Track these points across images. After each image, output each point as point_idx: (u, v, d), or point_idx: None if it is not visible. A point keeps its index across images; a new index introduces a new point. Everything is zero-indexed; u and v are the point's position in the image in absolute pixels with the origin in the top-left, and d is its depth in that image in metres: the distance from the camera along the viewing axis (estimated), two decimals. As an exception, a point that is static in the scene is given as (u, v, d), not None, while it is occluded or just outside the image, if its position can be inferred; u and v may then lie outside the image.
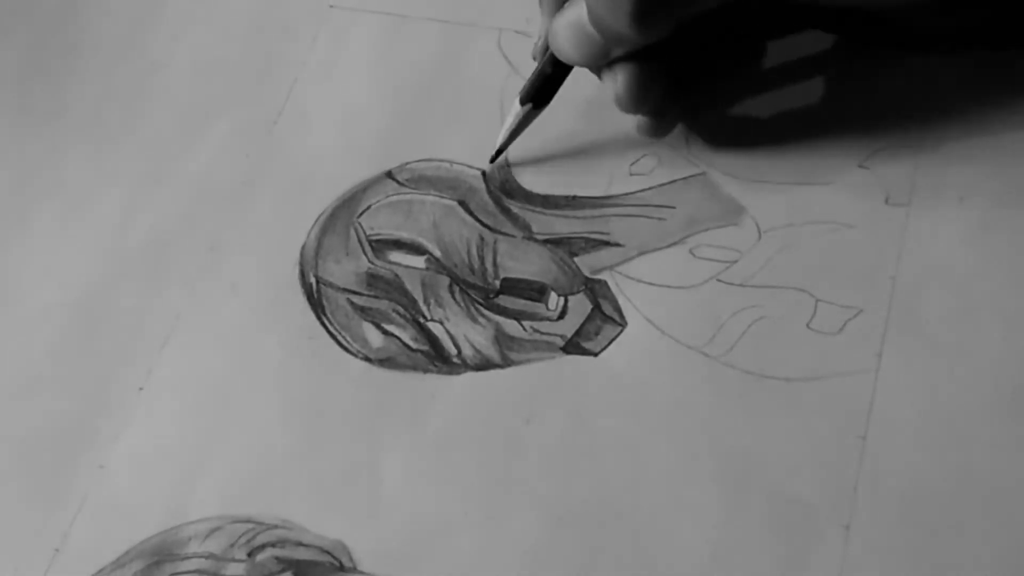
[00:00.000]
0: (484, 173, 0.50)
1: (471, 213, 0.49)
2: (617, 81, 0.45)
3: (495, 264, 0.48)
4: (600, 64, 0.45)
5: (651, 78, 0.45)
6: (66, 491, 0.47)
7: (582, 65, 0.46)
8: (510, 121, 0.49)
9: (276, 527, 0.44)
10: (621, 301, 0.46)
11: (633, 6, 0.41)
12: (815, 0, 0.44)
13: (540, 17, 0.47)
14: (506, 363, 0.46)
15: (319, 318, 0.48)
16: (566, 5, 0.45)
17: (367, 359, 0.47)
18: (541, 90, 0.47)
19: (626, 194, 0.48)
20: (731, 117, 0.49)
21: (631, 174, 0.49)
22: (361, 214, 0.50)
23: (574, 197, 0.49)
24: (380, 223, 0.50)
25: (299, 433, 0.46)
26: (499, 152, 0.49)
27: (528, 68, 0.49)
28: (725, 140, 0.48)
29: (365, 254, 0.49)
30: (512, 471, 0.44)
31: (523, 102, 0.48)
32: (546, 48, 0.46)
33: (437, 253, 0.49)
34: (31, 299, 0.52)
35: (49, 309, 0.51)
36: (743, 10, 0.45)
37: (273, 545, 0.44)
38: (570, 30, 0.44)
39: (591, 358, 0.45)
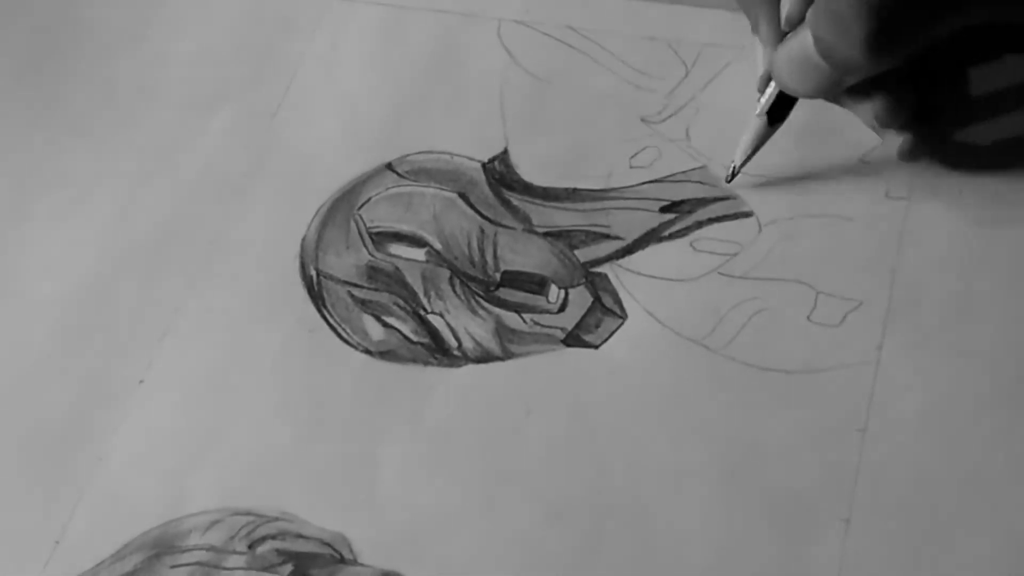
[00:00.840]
0: (484, 165, 0.50)
1: (471, 206, 0.49)
2: (875, 108, 0.43)
3: (495, 257, 0.48)
4: (827, 95, 0.43)
5: (899, 102, 0.43)
6: (66, 483, 0.47)
7: (812, 97, 0.44)
8: (747, 137, 0.46)
9: (276, 519, 0.44)
10: (621, 294, 0.46)
11: (868, 32, 0.39)
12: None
13: (759, 47, 0.45)
14: (506, 356, 0.46)
15: (319, 311, 0.48)
16: (789, 36, 0.43)
17: (367, 352, 0.47)
18: (778, 106, 0.45)
19: (626, 187, 0.48)
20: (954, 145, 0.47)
21: (631, 167, 0.49)
22: (361, 206, 0.50)
23: (574, 190, 0.49)
24: (380, 215, 0.50)
25: (300, 426, 0.46)
26: (736, 172, 0.47)
27: (527, 58, 0.50)
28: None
29: (365, 247, 0.49)
30: (512, 463, 0.44)
31: (761, 116, 0.46)
32: (770, 77, 0.45)
33: (437, 246, 0.49)
34: (31, 291, 0.52)
35: (49, 302, 0.51)
36: (980, 33, 0.43)
37: (273, 537, 0.44)
38: (795, 63, 0.43)
39: (591, 351, 0.45)
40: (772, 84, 0.45)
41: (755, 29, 0.45)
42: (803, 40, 0.42)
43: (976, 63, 0.46)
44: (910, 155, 0.44)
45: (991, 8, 0.41)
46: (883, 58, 0.41)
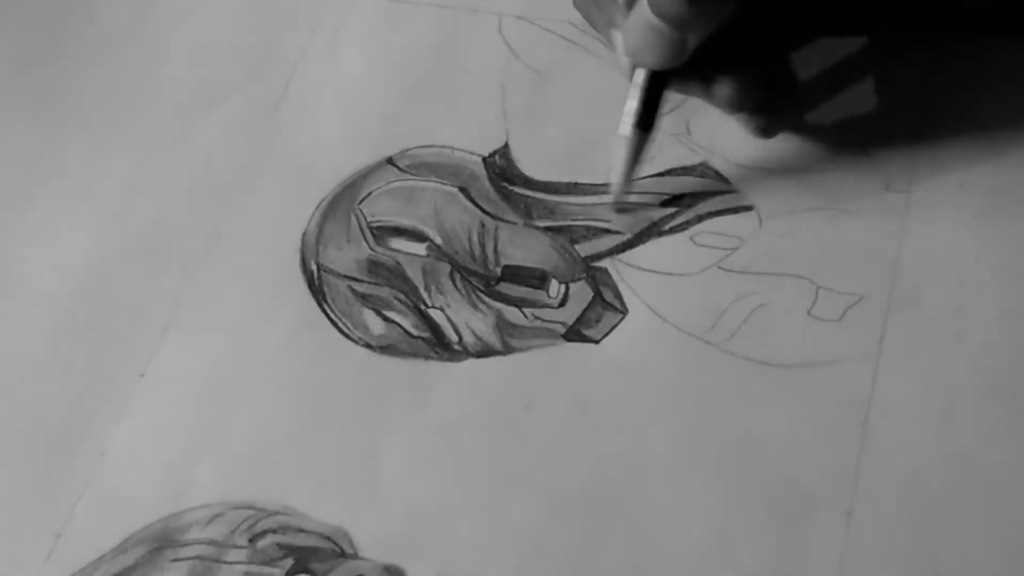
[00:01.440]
0: (485, 159, 0.50)
1: (472, 200, 0.49)
2: (719, 85, 0.44)
3: (496, 251, 0.48)
4: (682, 59, 0.43)
5: (748, 83, 0.44)
6: (67, 477, 0.47)
7: (664, 66, 0.44)
8: (620, 155, 0.46)
9: (277, 513, 0.44)
10: (622, 288, 0.46)
11: None
12: None
13: (613, 43, 0.46)
14: (507, 350, 0.46)
15: (320, 305, 0.48)
16: (631, 10, 0.44)
17: (368, 346, 0.47)
18: (645, 112, 0.45)
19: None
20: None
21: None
22: (362, 201, 0.50)
23: (575, 184, 0.49)
24: (381, 210, 0.50)
25: (300, 419, 0.46)
26: (618, 193, 0.47)
27: (528, 53, 0.50)
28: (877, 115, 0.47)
29: (366, 241, 0.49)
30: (513, 458, 0.44)
31: (630, 127, 0.45)
32: (633, 66, 0.45)
33: (438, 240, 0.49)
34: (32, 285, 0.52)
35: (50, 295, 0.51)
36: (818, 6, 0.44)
37: (274, 531, 0.44)
38: (640, 31, 0.43)
39: (592, 345, 0.45)
40: (633, 92, 0.45)
41: (605, 30, 0.46)
42: (641, 5, 0.43)
43: (797, 46, 0.48)
44: (764, 132, 0.46)
45: None
46: (704, 5, 0.42)
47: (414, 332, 0.47)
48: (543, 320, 0.46)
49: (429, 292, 0.48)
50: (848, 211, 0.46)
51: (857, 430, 0.42)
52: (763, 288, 0.45)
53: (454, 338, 0.47)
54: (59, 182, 0.54)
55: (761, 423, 0.42)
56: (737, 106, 0.45)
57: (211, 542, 0.44)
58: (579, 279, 0.47)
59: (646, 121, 0.45)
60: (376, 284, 0.48)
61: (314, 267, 0.49)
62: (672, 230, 0.47)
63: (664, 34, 0.43)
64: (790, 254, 0.45)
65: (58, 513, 0.46)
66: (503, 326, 0.46)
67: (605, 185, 0.48)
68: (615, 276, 0.47)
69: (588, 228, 0.48)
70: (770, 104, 0.45)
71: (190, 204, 0.52)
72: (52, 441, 0.48)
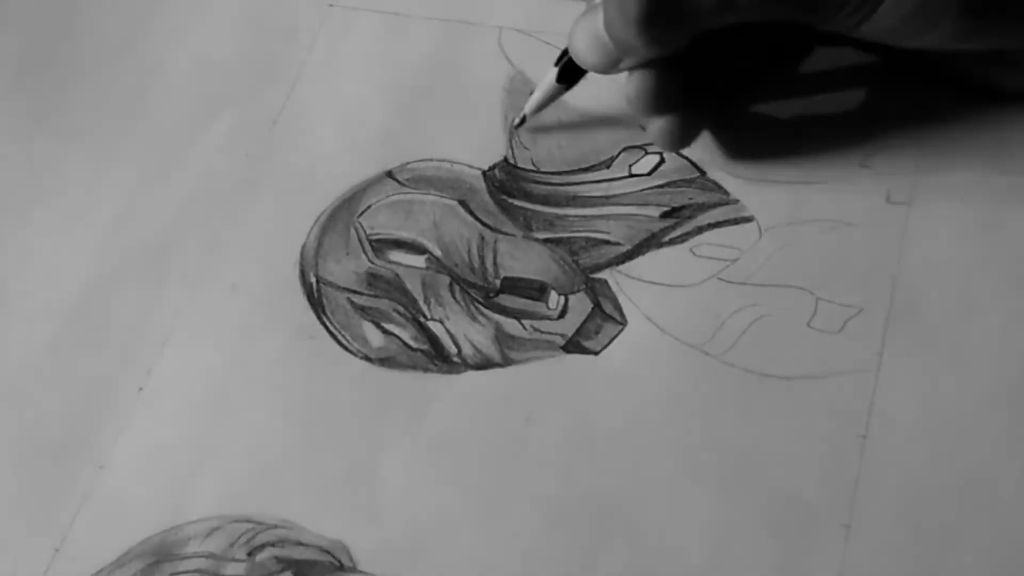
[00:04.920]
0: (484, 173, 0.50)
1: (471, 213, 0.49)
2: (629, 86, 0.44)
3: (495, 263, 0.48)
4: (610, 72, 0.44)
5: (664, 85, 0.44)
6: (66, 491, 0.47)
7: (594, 71, 0.45)
8: (539, 90, 0.48)
9: (276, 527, 0.44)
10: (621, 300, 0.46)
11: (640, 14, 0.41)
12: (847, 34, 0.43)
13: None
14: (506, 362, 0.46)
15: (319, 318, 0.48)
16: (590, 7, 0.44)
17: (367, 358, 0.47)
18: (569, 69, 0.47)
19: (626, 193, 0.48)
20: (750, 117, 0.48)
21: (632, 173, 0.49)
22: (361, 214, 0.50)
23: (574, 196, 0.49)
24: (380, 223, 0.50)
25: (299, 433, 0.46)
26: (523, 121, 0.49)
27: (527, 66, 0.50)
28: (741, 143, 0.48)
29: (365, 253, 0.49)
30: (512, 470, 0.44)
31: (556, 70, 0.47)
32: None
33: (437, 252, 0.49)
34: (31, 298, 0.52)
35: (49, 308, 0.51)
36: (763, 28, 0.44)
37: (273, 545, 0.44)
38: (587, 34, 0.44)
39: (591, 357, 0.45)
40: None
41: None
42: (598, 13, 0.43)
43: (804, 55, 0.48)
44: (668, 141, 0.46)
45: (764, 10, 0.41)
46: (655, 44, 0.42)
47: (413, 344, 0.47)
48: (542, 332, 0.46)
49: (428, 304, 0.48)
50: (848, 222, 0.46)
51: (857, 442, 0.41)
52: (763, 300, 0.45)
53: (453, 350, 0.47)
54: (58, 195, 0.54)
55: (760, 435, 0.42)
56: (638, 107, 0.45)
57: (210, 555, 0.44)
58: (578, 291, 0.47)
59: (568, 76, 0.47)
60: (375, 296, 0.48)
61: (313, 280, 0.49)
62: (672, 241, 0.47)
63: (607, 50, 0.43)
64: (790, 265, 0.45)
65: (56, 527, 0.46)
66: (502, 338, 0.46)
67: (605, 198, 0.48)
68: (614, 287, 0.46)
69: (587, 240, 0.48)
70: (685, 110, 0.45)
71: (189, 217, 0.52)
72: (50, 455, 0.48)
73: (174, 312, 0.50)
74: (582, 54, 0.44)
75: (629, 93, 0.44)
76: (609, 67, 0.44)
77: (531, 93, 0.48)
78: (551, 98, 0.48)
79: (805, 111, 0.48)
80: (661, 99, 0.44)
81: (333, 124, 0.53)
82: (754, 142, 0.48)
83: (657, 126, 0.45)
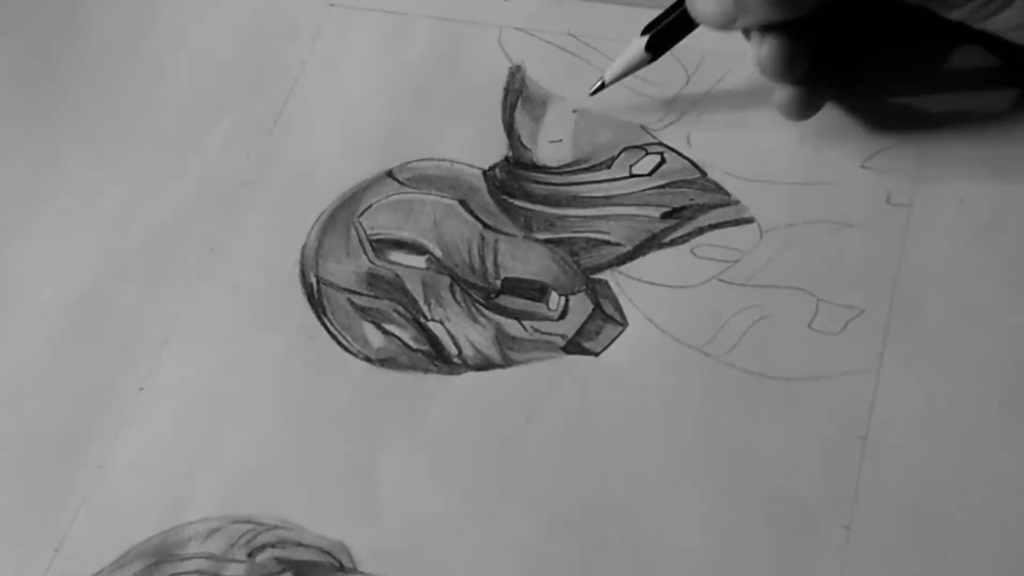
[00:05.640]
0: (485, 172, 0.50)
1: (472, 212, 0.49)
2: (761, 48, 0.43)
3: (496, 264, 0.48)
4: (723, 29, 0.44)
5: (795, 52, 0.43)
6: (66, 491, 0.47)
7: (709, 25, 0.44)
8: (623, 57, 0.47)
9: (276, 527, 0.44)
10: (622, 301, 0.46)
11: None
12: (971, 25, 0.42)
13: None
14: (507, 363, 0.46)
15: (319, 318, 0.48)
16: None
17: (367, 359, 0.47)
18: (662, 37, 0.46)
19: (627, 194, 0.48)
20: (890, 104, 0.47)
21: (632, 173, 0.49)
22: (362, 214, 0.50)
23: (575, 197, 0.49)
24: (381, 223, 0.50)
25: (299, 433, 0.46)
26: (603, 86, 0.49)
27: (528, 65, 0.50)
28: (880, 127, 0.47)
29: (366, 254, 0.49)
30: (512, 471, 0.44)
31: (645, 39, 0.47)
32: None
33: (438, 253, 0.49)
34: (31, 299, 0.52)
35: (49, 309, 0.51)
36: (890, 12, 0.43)
37: (273, 545, 0.44)
38: None
39: (592, 358, 0.45)
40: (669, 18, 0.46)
41: None
42: None
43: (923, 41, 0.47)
44: (792, 110, 0.45)
45: None
46: (780, 5, 0.41)
47: (413, 345, 0.47)
48: (543, 333, 0.46)
49: (429, 305, 0.48)
50: (849, 224, 0.46)
51: (857, 443, 0.41)
52: (763, 300, 0.45)
53: (453, 351, 0.47)
54: (59, 196, 0.54)
55: (761, 436, 0.42)
56: (769, 72, 0.44)
57: (210, 556, 0.44)
58: (579, 291, 0.47)
59: (658, 45, 0.47)
60: (376, 297, 0.48)
61: (313, 280, 0.49)
62: (672, 242, 0.47)
63: (725, 6, 0.43)
64: (791, 266, 0.45)
65: (56, 527, 0.46)
66: (503, 339, 0.46)
67: (606, 198, 0.48)
68: (615, 288, 0.46)
69: (588, 240, 0.48)
70: (809, 80, 0.44)
71: (190, 217, 0.52)
72: (50, 455, 0.48)
73: (174, 312, 0.50)
74: (700, 5, 0.44)
75: (762, 57, 0.44)
76: (726, 23, 0.43)
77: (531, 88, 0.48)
78: (635, 67, 0.48)
79: (946, 107, 0.47)
80: (791, 65, 0.44)
81: (334, 124, 0.53)
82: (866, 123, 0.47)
83: (786, 93, 0.45)
